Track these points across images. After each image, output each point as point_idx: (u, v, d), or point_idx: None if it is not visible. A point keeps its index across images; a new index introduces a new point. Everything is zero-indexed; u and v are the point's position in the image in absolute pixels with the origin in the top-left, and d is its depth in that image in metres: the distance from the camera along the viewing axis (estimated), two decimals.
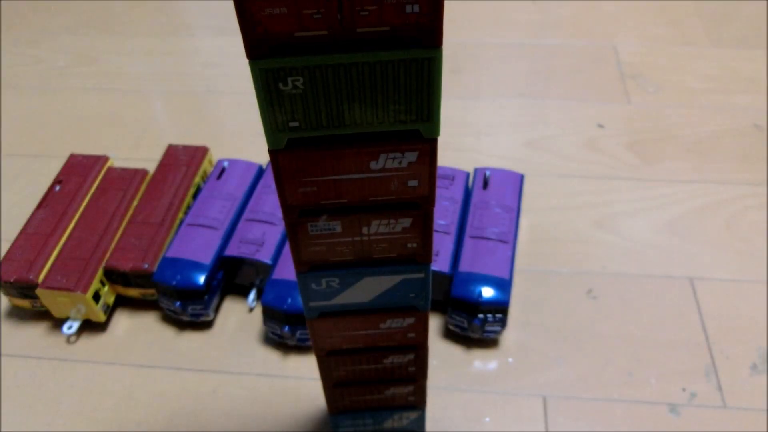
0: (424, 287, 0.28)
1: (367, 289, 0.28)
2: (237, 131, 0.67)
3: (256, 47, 0.19)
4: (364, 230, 0.25)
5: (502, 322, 0.46)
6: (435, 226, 0.49)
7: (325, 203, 0.24)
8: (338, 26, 0.19)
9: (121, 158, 0.63)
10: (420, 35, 0.19)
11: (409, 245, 0.26)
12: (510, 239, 0.48)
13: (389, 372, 0.35)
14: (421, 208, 0.25)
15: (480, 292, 0.45)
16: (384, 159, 0.23)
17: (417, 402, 0.38)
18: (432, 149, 0.23)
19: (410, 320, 0.30)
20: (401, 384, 0.36)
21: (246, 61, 0.80)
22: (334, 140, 0.22)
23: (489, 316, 0.45)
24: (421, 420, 0.40)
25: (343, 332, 0.31)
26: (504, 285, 0.45)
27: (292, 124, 0.21)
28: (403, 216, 0.25)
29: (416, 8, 0.19)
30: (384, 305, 0.29)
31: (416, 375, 0.35)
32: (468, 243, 0.48)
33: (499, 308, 0.45)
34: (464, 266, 0.47)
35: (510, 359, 0.47)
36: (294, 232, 0.25)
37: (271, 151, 0.22)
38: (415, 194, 0.24)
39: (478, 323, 0.45)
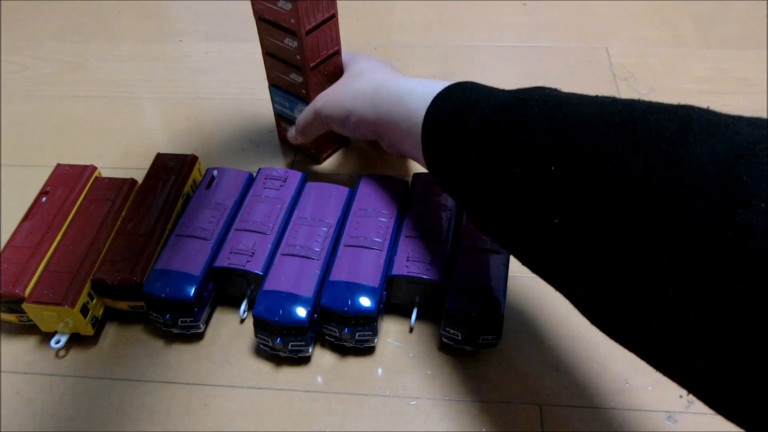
0: None
1: None
2: (226, 139, 0.66)
3: None
4: None
5: (497, 332, 0.45)
6: (429, 236, 0.48)
7: None
8: None
9: (109, 167, 0.62)
10: None
11: None
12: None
13: None
14: None
15: (473, 304, 0.44)
16: None
17: None
18: None
19: None
20: None
21: (235, 68, 0.79)
22: None
23: (483, 326, 0.45)
24: None
25: None
26: (498, 295, 0.45)
27: None
28: None
29: None
30: None
31: None
32: (461, 253, 0.47)
33: (494, 319, 0.44)
34: (457, 277, 0.46)
35: (505, 369, 0.46)
36: None
37: None
38: None
39: (472, 335, 0.45)
